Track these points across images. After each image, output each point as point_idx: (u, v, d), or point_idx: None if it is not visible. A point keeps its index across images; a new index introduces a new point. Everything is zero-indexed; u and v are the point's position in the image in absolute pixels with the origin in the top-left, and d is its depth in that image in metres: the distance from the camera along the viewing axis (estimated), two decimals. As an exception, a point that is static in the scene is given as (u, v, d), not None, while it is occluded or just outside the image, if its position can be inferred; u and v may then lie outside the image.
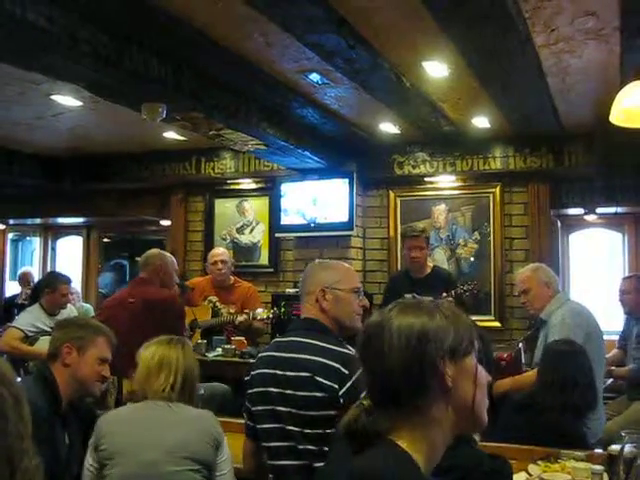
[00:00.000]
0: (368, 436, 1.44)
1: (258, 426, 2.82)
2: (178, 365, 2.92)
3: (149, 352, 2.96)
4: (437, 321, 1.46)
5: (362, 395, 2.33)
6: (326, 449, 2.54)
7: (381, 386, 1.48)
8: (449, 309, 1.51)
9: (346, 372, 2.61)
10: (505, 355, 4.99)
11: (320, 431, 2.61)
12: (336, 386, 2.61)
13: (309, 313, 2.88)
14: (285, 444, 2.70)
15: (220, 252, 6.74)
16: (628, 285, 5.77)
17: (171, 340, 3.03)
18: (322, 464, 2.49)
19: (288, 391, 2.70)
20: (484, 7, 3.69)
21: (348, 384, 2.59)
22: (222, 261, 6.57)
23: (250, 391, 2.87)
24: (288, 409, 2.69)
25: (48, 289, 6.07)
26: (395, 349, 1.43)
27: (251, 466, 2.95)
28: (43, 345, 5.64)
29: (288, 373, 2.73)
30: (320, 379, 2.64)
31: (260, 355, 2.99)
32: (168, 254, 5.50)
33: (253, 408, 2.84)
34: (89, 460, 2.80)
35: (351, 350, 2.64)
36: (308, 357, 2.71)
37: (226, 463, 2.82)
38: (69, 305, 6.45)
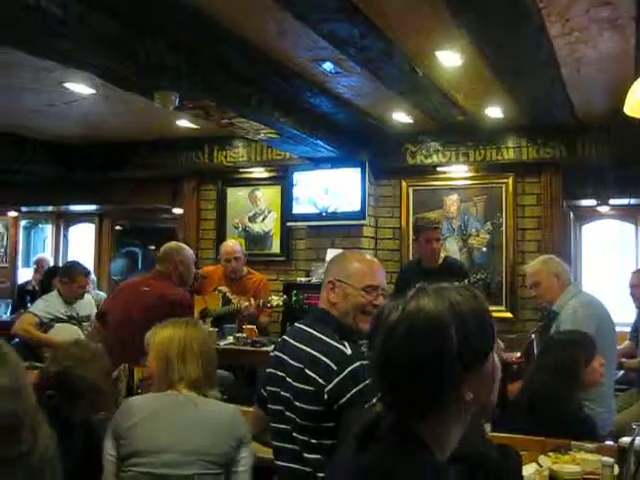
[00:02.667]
0: (383, 432, 1.41)
1: (268, 405, 2.82)
2: (202, 350, 2.89)
3: (166, 338, 2.90)
4: (454, 333, 1.37)
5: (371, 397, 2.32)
6: (314, 441, 2.53)
7: (397, 397, 1.42)
8: (466, 311, 1.41)
9: (334, 368, 2.54)
10: (515, 358, 4.98)
11: (309, 424, 2.57)
12: (322, 381, 2.54)
13: (322, 303, 2.83)
14: (283, 427, 2.69)
15: (234, 249, 6.63)
16: (638, 278, 5.74)
17: (180, 322, 2.97)
18: (313, 456, 2.50)
19: (288, 379, 2.69)
20: (498, -4, 3.68)
21: (335, 381, 2.52)
22: (235, 258, 6.54)
23: (267, 370, 2.87)
24: (287, 395, 2.68)
25: (65, 279, 6.05)
26: (408, 367, 1.38)
27: (257, 429, 2.95)
28: (56, 332, 5.68)
29: (289, 360, 2.71)
30: (309, 372, 2.59)
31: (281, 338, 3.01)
32: (186, 247, 5.39)
33: (267, 387, 2.84)
34: (108, 448, 2.73)
35: (347, 347, 2.58)
36: (304, 347, 2.68)
37: (246, 459, 2.78)
38: (87, 295, 6.44)
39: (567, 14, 4.06)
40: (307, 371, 2.60)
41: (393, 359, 1.41)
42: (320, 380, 2.55)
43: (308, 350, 2.66)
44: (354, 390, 2.47)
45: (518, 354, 5.20)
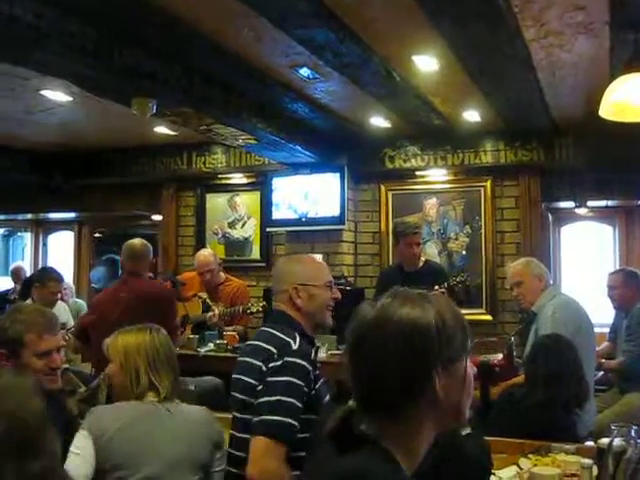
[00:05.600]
0: (354, 438, 1.41)
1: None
2: (168, 357, 2.81)
3: (132, 345, 2.77)
4: (436, 327, 1.40)
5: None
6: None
7: (369, 394, 1.44)
8: (445, 309, 1.44)
9: (275, 352, 2.64)
10: (497, 361, 5.01)
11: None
12: (262, 366, 2.64)
13: (283, 308, 2.89)
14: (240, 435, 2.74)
15: (205, 262, 6.57)
16: (615, 280, 5.75)
17: (144, 328, 2.85)
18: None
19: (238, 375, 2.77)
20: (474, 1, 3.70)
21: (271, 365, 2.62)
22: (207, 271, 6.51)
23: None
24: (235, 394, 2.77)
25: (37, 284, 6.02)
26: (388, 358, 1.39)
27: None
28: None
29: (242, 358, 2.81)
30: (251, 360, 2.70)
31: None
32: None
33: (231, 393, 2.87)
34: (87, 458, 2.53)
35: (295, 342, 2.67)
36: (257, 343, 2.78)
37: (222, 459, 2.77)
38: (61, 302, 6.39)
39: (542, 19, 4.09)
40: (249, 359, 2.71)
41: (368, 355, 1.42)
42: (262, 365, 2.65)
43: (257, 343, 2.76)
44: (282, 379, 2.57)
45: (500, 356, 5.22)
